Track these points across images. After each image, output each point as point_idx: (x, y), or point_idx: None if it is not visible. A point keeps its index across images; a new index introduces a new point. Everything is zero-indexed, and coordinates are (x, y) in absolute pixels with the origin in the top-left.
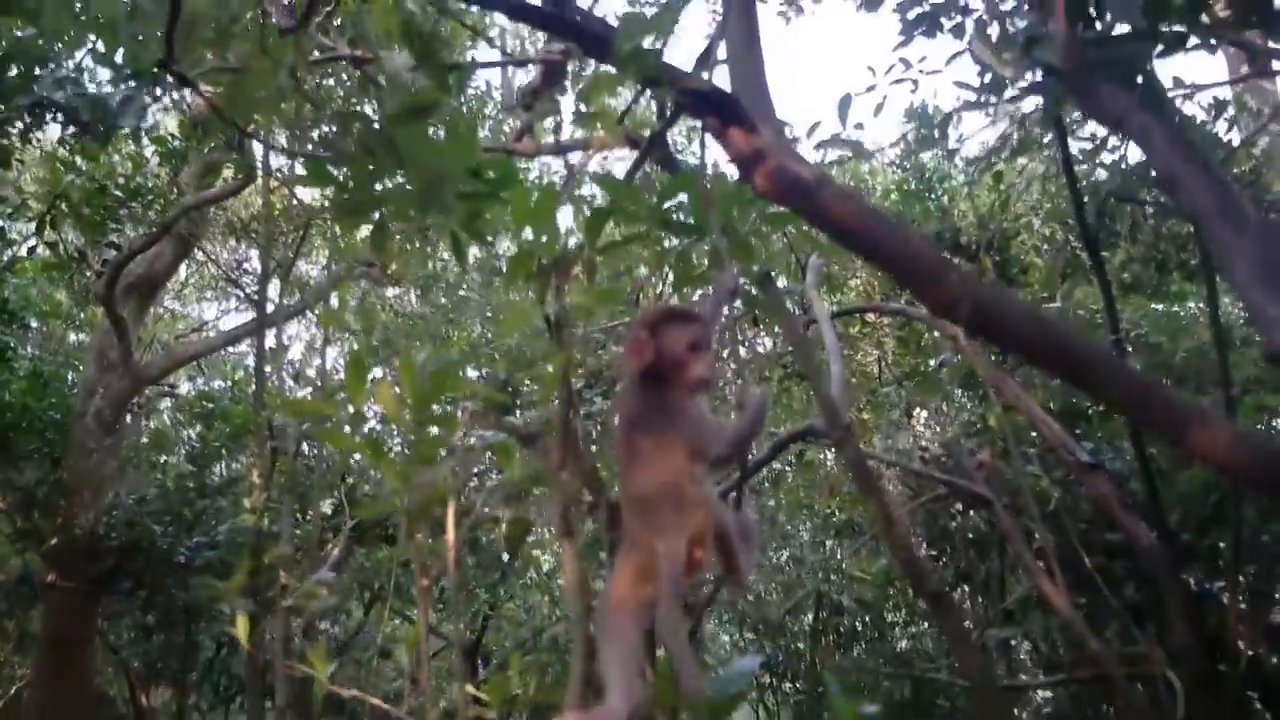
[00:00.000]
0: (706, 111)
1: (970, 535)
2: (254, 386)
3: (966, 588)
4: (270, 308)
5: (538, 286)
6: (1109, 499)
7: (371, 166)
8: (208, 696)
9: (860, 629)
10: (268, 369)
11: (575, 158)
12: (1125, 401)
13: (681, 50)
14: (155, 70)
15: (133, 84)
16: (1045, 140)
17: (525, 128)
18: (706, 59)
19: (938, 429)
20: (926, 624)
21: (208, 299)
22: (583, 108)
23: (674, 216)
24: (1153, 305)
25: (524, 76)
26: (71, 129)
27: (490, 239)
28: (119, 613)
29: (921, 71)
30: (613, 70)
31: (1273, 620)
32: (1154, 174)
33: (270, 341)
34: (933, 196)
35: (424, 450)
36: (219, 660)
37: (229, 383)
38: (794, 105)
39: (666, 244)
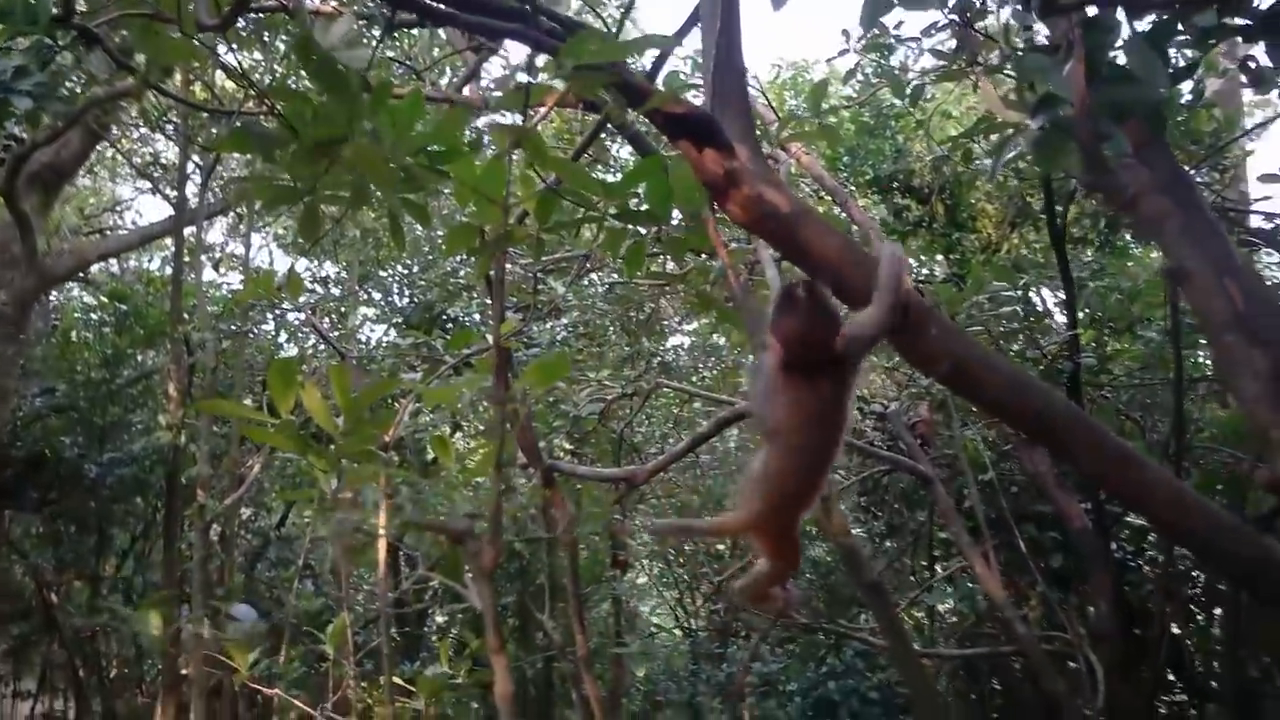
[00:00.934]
0: (677, 131)
1: (902, 488)
2: (171, 289)
3: (894, 543)
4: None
5: (479, 259)
6: (1044, 473)
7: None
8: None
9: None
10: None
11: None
12: (1098, 473)
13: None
14: (54, 24)
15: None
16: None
17: (472, 72)
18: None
19: (886, 386)
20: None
21: (123, 178)
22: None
23: (632, 203)
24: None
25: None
26: None
27: (433, 218)
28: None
29: (896, 39)
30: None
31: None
32: (1164, 267)
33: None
34: (889, 135)
35: (355, 448)
36: (134, 554)
37: (144, 285)
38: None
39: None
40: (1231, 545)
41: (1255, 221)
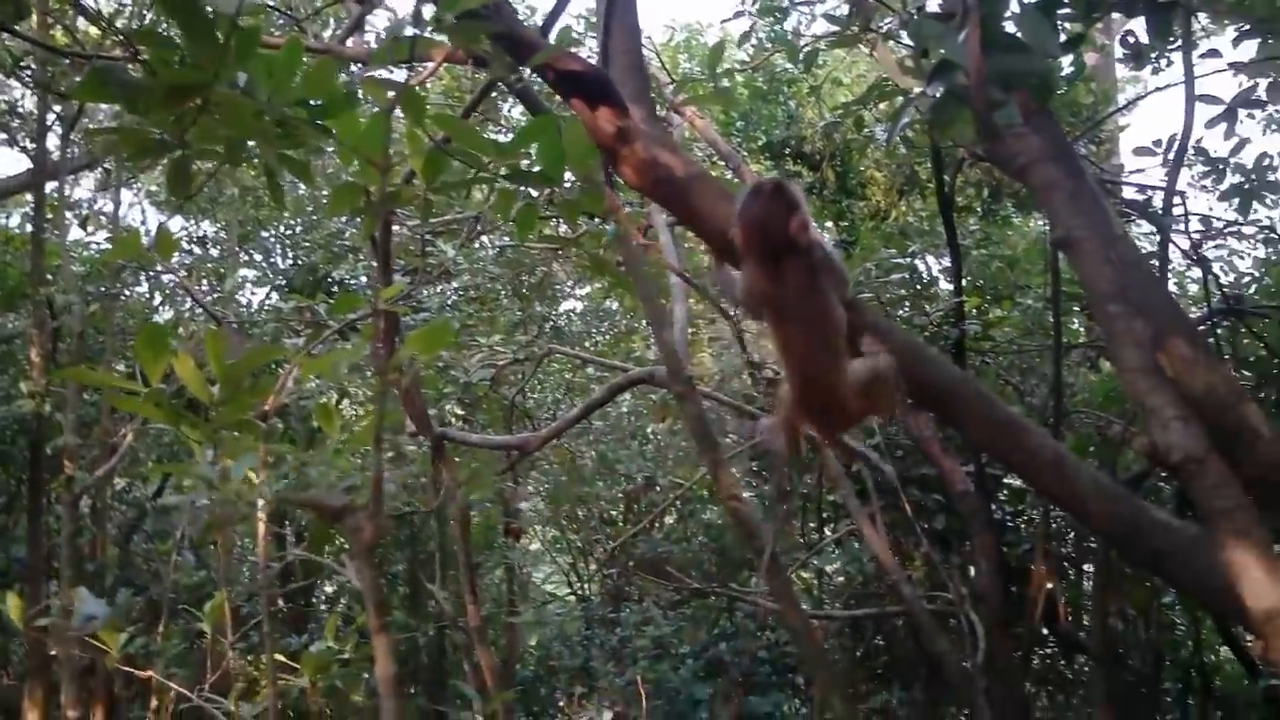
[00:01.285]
0: (569, 88)
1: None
2: (31, 249)
3: (784, 506)
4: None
5: (365, 219)
6: (928, 438)
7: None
8: None
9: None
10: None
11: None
12: (986, 440)
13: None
14: None
15: None
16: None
17: (356, 23)
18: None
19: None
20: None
21: None
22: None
23: (524, 164)
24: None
25: None
26: None
27: (317, 176)
28: None
29: (791, 3)
30: None
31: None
32: (1052, 235)
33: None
34: (782, 100)
35: (231, 417)
36: None
37: (2, 243)
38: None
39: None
40: (1109, 507)
41: (1129, 193)
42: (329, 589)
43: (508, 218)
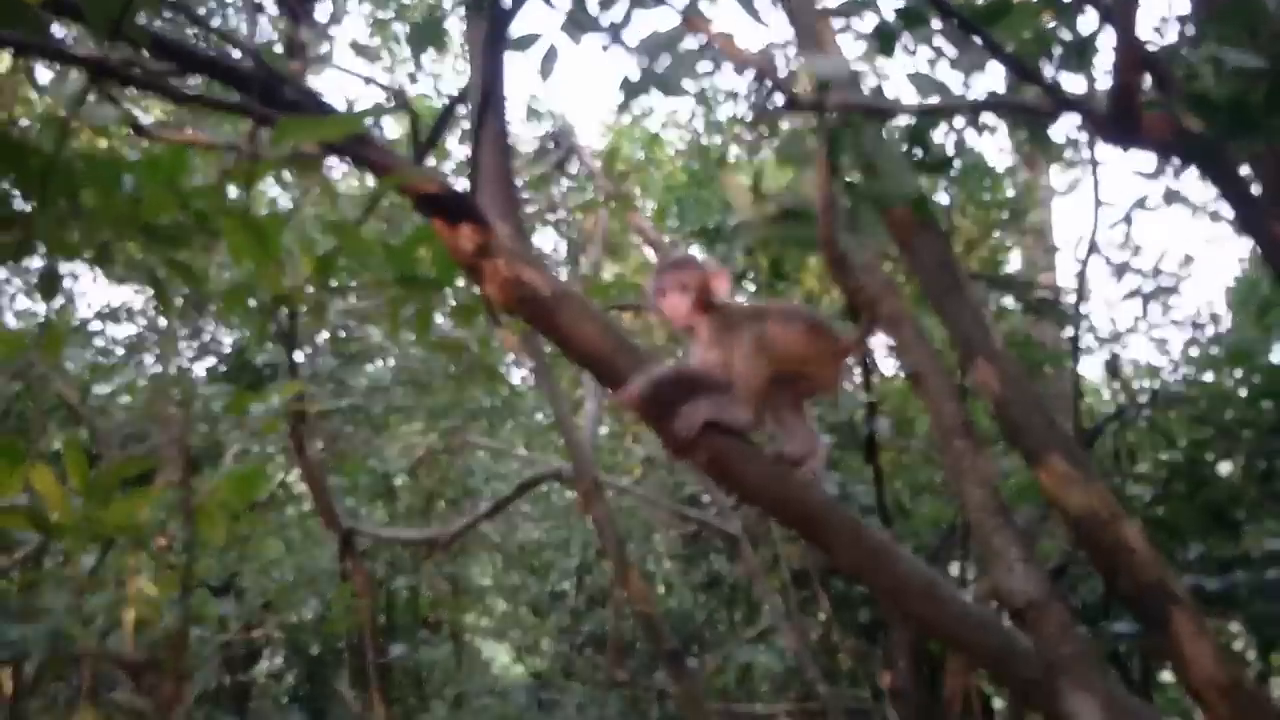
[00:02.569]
0: (427, 209)
1: (721, 546)
2: None
3: (713, 597)
4: None
5: (257, 322)
6: None
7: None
8: None
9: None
10: None
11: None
12: (855, 565)
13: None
14: None
15: None
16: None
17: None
18: (435, 138)
19: None
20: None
21: None
22: None
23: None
24: None
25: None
26: None
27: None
28: None
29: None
30: None
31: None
32: (904, 368)
33: None
34: (717, 185)
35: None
36: None
37: None
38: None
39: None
40: (979, 637)
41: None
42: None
43: (395, 325)
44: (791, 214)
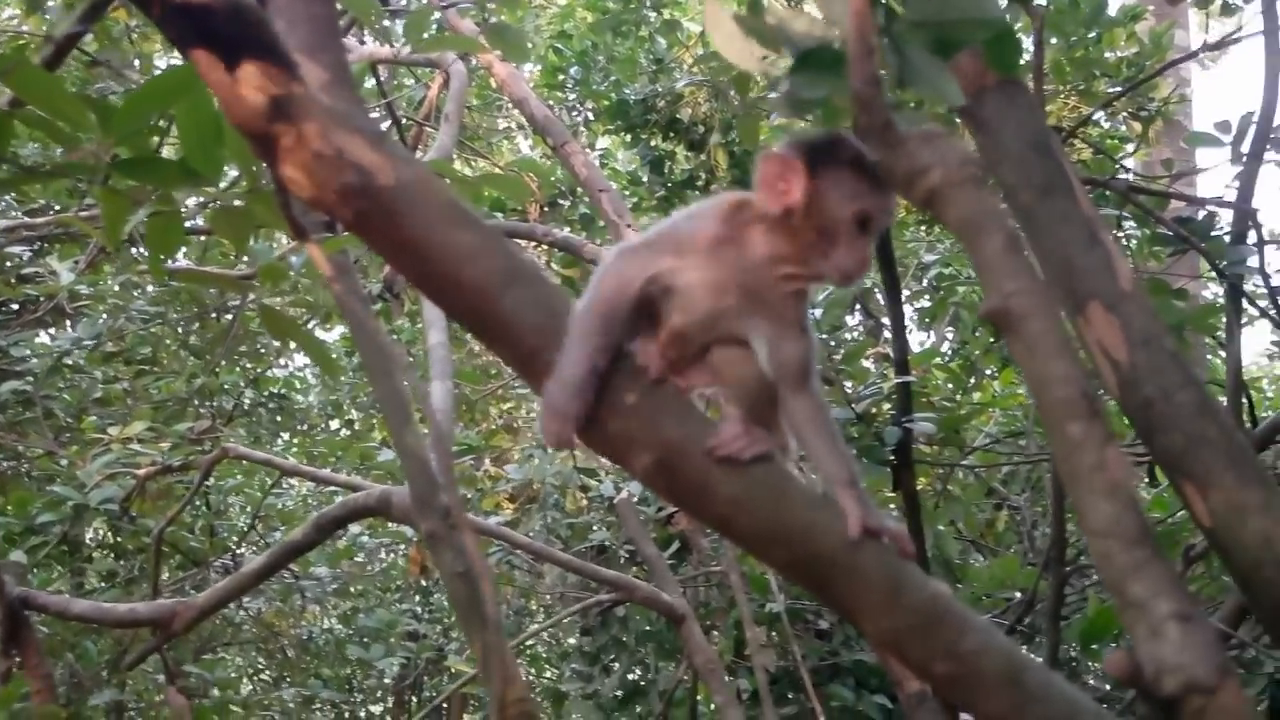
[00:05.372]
0: (185, 31)
1: (646, 626)
2: None
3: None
4: None
5: None
6: None
7: None
8: None
9: None
10: None
11: None
12: (892, 638)
13: None
14: None
15: None
16: None
17: None
18: None
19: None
20: None
21: None
22: None
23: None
24: None
25: None
26: None
27: None
28: None
29: None
30: None
31: None
32: (982, 305)
33: None
34: (645, 37)
35: None
36: None
37: None
38: None
39: None
40: None
41: (1181, 207)
42: None
43: (116, 237)
44: (814, 58)
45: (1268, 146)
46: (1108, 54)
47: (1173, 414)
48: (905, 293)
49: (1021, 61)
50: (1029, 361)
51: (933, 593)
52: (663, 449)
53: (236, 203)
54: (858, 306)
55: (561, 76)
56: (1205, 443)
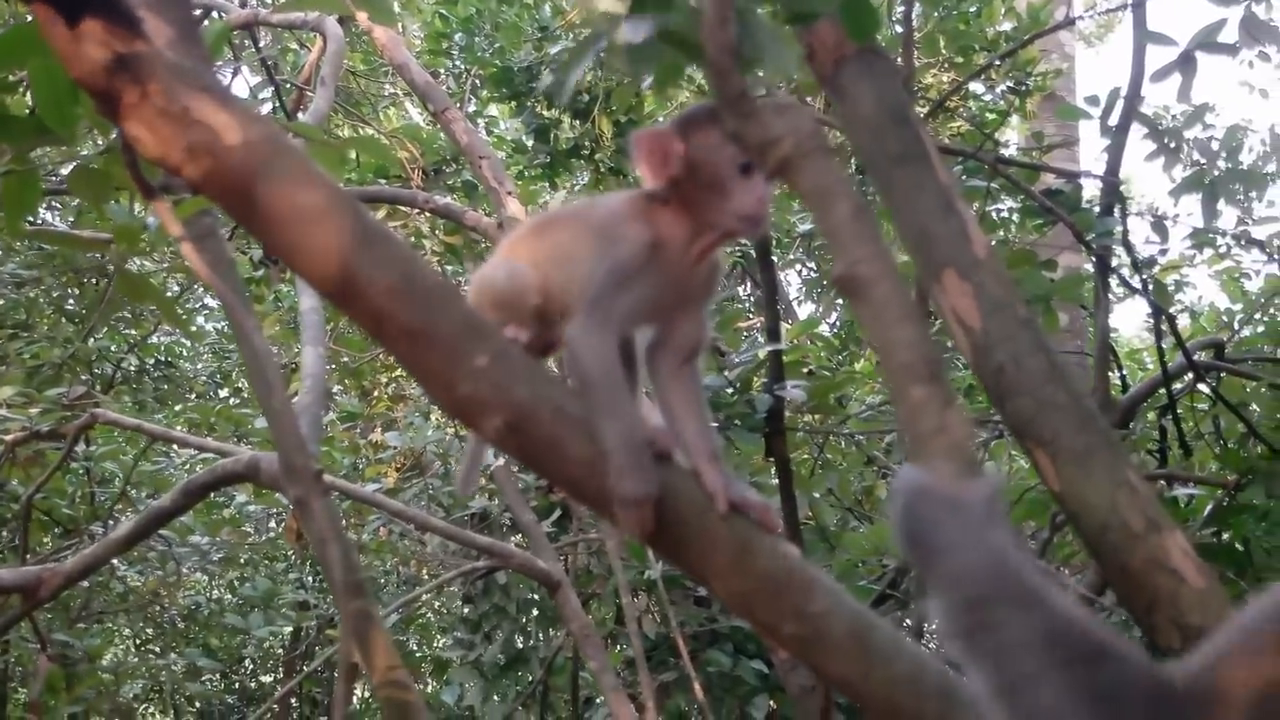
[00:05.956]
0: None
1: (534, 598)
2: None
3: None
4: None
5: None
6: None
7: None
8: None
9: None
10: None
11: None
12: (741, 601)
13: None
14: None
15: None
16: None
17: None
18: None
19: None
20: None
21: None
22: None
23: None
24: None
25: None
26: None
27: None
28: None
29: None
30: None
31: None
32: (831, 271)
33: None
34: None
35: None
36: None
37: None
38: None
39: None
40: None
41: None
42: None
43: None
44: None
45: (1133, 120)
46: (987, 29)
47: (1023, 379)
48: (796, 263)
49: (891, 34)
50: (875, 326)
51: (782, 555)
52: (513, 411)
53: (93, 165)
54: (747, 278)
55: (446, 44)
56: (1054, 408)
